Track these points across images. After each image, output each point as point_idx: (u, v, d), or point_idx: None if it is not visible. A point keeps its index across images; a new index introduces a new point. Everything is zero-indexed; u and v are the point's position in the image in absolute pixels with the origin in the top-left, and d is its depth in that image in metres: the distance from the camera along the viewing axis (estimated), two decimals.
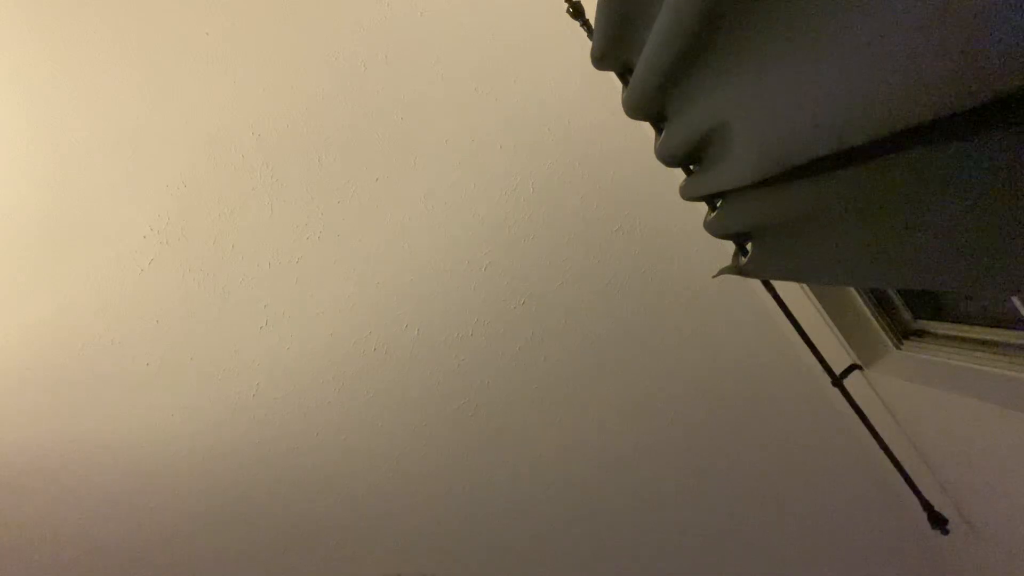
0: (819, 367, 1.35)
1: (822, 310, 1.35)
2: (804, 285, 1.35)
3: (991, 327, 1.04)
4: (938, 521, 1.29)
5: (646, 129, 1.24)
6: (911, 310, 1.29)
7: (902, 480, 1.31)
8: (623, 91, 1.16)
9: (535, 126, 1.66)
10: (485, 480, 1.71)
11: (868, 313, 1.33)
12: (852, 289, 1.33)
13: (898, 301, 1.30)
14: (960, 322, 1.13)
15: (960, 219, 0.48)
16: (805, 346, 1.33)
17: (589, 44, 1.24)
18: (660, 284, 1.69)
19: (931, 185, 0.50)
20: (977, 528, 1.26)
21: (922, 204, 0.53)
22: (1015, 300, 0.92)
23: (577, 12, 1.32)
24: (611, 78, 1.43)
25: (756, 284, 1.50)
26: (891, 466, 1.32)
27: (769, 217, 0.89)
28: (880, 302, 1.31)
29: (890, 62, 0.42)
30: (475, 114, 1.65)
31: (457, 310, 1.68)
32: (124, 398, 1.64)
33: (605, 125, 1.65)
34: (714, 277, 1.42)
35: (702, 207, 1.25)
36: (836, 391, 1.35)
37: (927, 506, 1.30)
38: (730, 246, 1.20)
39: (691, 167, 1.16)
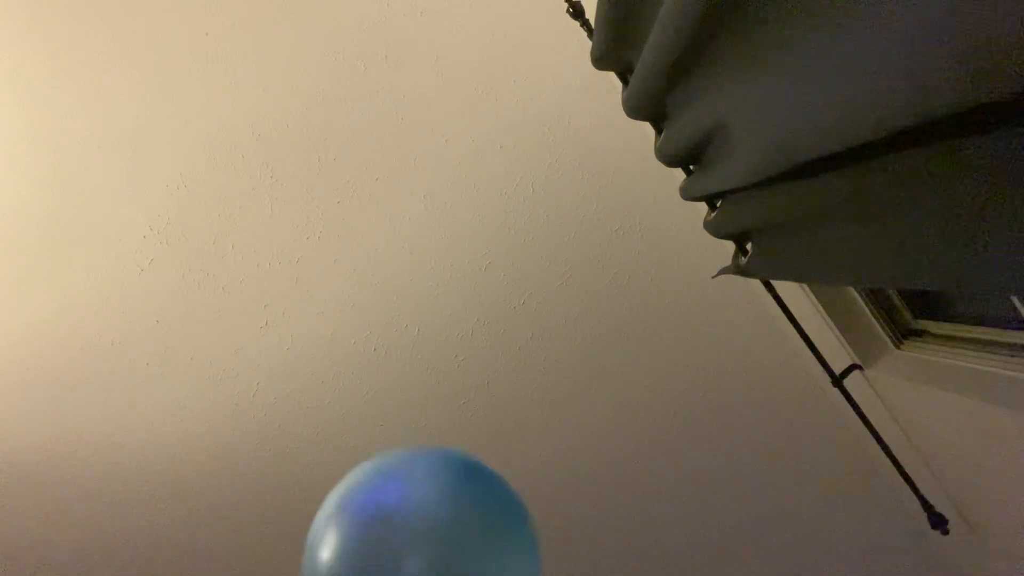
0: (819, 367, 1.35)
1: (822, 310, 1.35)
2: (804, 285, 1.35)
3: (991, 327, 1.04)
4: (938, 521, 1.29)
5: (646, 129, 1.24)
6: (911, 310, 1.29)
7: (902, 480, 1.31)
8: (623, 91, 1.16)
9: (535, 126, 1.66)
10: None
11: (868, 313, 1.32)
12: (852, 289, 1.33)
13: (898, 301, 1.30)
14: (960, 322, 1.13)
15: (960, 218, 0.48)
16: (805, 346, 1.33)
17: (589, 44, 1.24)
18: (660, 284, 1.69)
19: (931, 185, 0.50)
20: (977, 528, 1.26)
21: (922, 204, 0.53)
22: (1015, 300, 0.92)
23: (577, 12, 1.32)
24: (611, 78, 1.43)
25: (756, 284, 1.50)
26: (891, 466, 1.32)
27: (769, 217, 0.89)
28: (880, 302, 1.31)
29: (891, 61, 0.42)
30: (475, 114, 1.65)
31: (457, 310, 1.68)
32: (124, 398, 1.64)
33: (605, 125, 1.64)
34: (714, 277, 1.42)
35: (702, 207, 1.25)
36: (836, 391, 1.35)
37: (927, 506, 1.29)
38: (730, 246, 1.20)
39: (691, 167, 1.16)
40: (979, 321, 1.07)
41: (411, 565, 0.38)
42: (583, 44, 1.35)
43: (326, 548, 0.40)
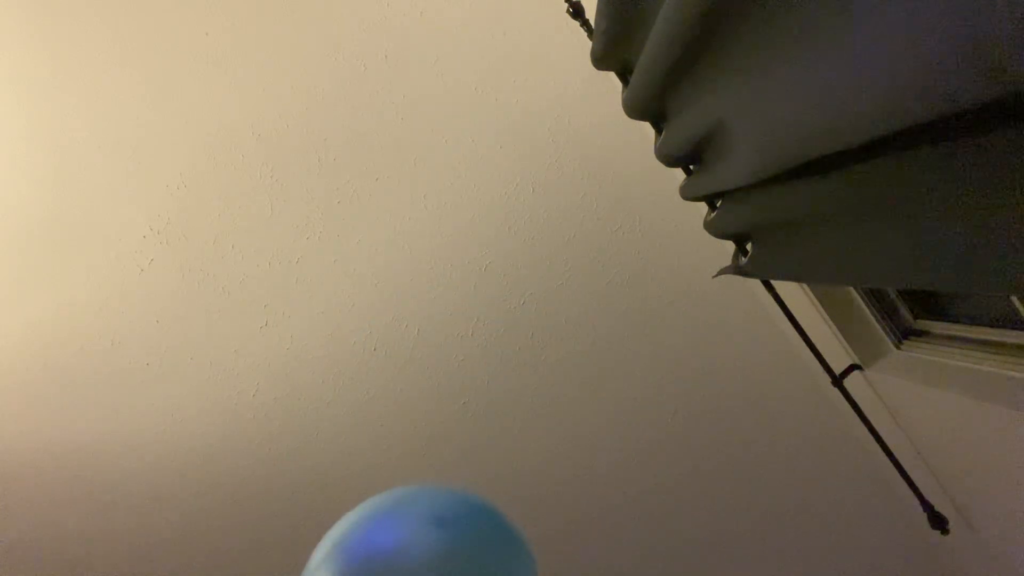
0: (819, 367, 1.35)
1: (822, 310, 1.35)
2: (804, 285, 1.35)
3: (991, 327, 1.04)
4: (938, 521, 1.29)
5: (646, 129, 1.24)
6: (911, 310, 1.29)
7: (902, 480, 1.31)
8: (623, 91, 1.16)
9: (535, 126, 1.66)
10: (485, 480, 1.71)
11: (868, 313, 1.32)
12: (852, 289, 1.33)
13: (898, 301, 1.30)
14: (960, 322, 1.13)
15: (960, 218, 0.48)
16: (805, 346, 1.33)
17: (589, 44, 1.24)
18: (660, 284, 1.69)
19: (931, 184, 0.50)
20: (977, 528, 1.26)
21: (922, 203, 0.53)
22: (1015, 300, 0.92)
23: (577, 12, 1.32)
24: (611, 78, 1.43)
25: (756, 284, 1.50)
26: (891, 466, 1.32)
27: (769, 217, 0.90)
28: (880, 302, 1.31)
29: (891, 61, 0.42)
30: (475, 114, 1.65)
31: (457, 310, 1.68)
32: (124, 398, 1.64)
33: (605, 125, 1.64)
34: (714, 277, 1.42)
35: (702, 207, 1.25)
36: (836, 391, 1.35)
37: (927, 506, 1.29)
38: (730, 246, 1.20)
39: (691, 167, 1.16)
40: (979, 321, 1.07)
41: None
42: (583, 44, 1.35)
43: None
